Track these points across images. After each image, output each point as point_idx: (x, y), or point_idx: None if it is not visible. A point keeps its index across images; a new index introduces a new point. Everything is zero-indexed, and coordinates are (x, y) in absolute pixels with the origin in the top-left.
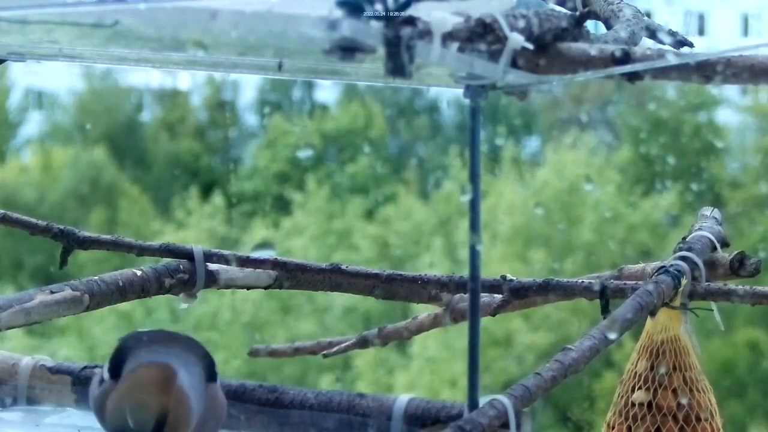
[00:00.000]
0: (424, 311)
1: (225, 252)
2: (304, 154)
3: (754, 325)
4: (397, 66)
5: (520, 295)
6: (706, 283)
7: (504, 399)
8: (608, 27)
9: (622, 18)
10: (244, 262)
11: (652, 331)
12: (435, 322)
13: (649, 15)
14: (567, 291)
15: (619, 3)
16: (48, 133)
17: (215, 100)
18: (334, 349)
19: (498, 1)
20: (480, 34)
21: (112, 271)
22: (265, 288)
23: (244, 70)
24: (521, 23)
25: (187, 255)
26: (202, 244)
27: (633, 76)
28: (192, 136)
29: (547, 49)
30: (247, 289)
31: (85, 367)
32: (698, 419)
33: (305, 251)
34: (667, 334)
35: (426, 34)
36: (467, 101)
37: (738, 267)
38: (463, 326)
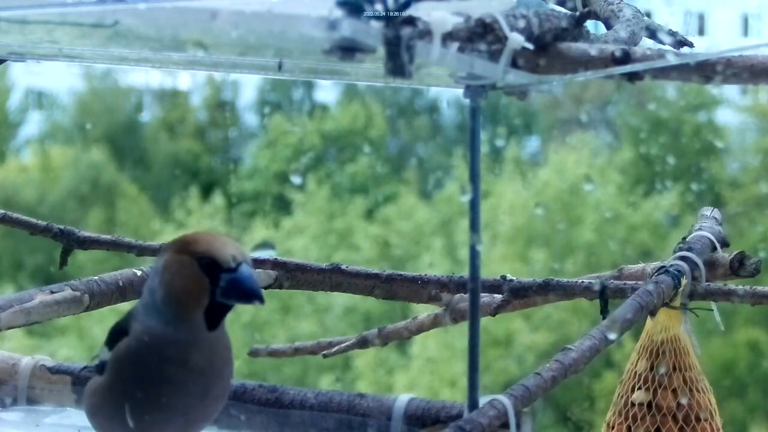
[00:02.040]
0: (424, 311)
1: None
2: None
3: (754, 325)
4: (397, 66)
5: (520, 295)
6: (706, 283)
7: (504, 399)
8: (608, 27)
9: (622, 18)
10: None
11: (652, 331)
12: (435, 322)
13: (649, 15)
14: (567, 291)
15: (619, 3)
16: (48, 133)
17: (215, 100)
18: (334, 349)
19: (498, 1)
20: (480, 34)
21: (112, 271)
22: (265, 288)
23: (244, 70)
24: (521, 23)
25: None
26: None
27: (633, 76)
28: (192, 136)
29: (547, 49)
30: None
31: (85, 367)
32: (698, 419)
33: (306, 251)
34: (667, 334)
35: (426, 34)
36: (467, 101)
37: (738, 267)
38: (463, 326)
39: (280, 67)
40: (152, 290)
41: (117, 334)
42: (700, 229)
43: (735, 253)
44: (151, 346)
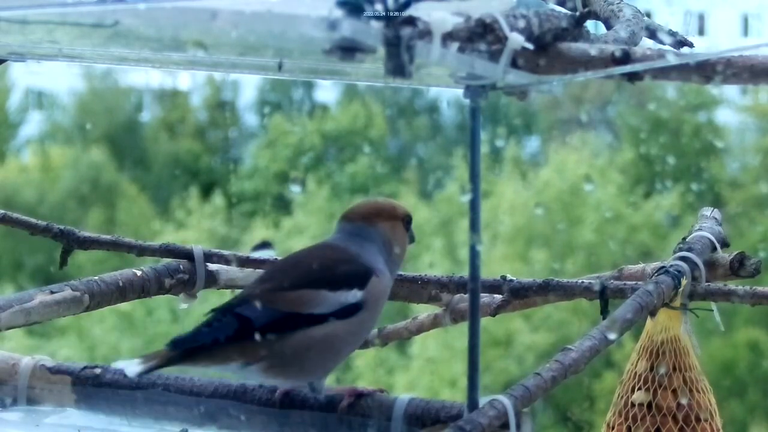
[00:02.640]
0: (424, 311)
1: (225, 252)
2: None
3: (754, 325)
4: (397, 66)
5: (520, 295)
6: (706, 284)
7: (504, 399)
8: (608, 27)
9: (622, 18)
10: (244, 262)
11: (652, 331)
12: (435, 323)
13: (649, 15)
14: (567, 291)
15: (619, 3)
16: (48, 133)
17: (215, 100)
18: None
19: (498, 1)
20: (480, 34)
21: (112, 272)
22: None
23: (244, 70)
24: (521, 23)
25: (187, 255)
26: (202, 244)
27: (633, 76)
28: (192, 136)
29: (547, 49)
30: None
31: (85, 367)
32: (698, 419)
33: None
34: (667, 334)
35: (426, 34)
36: (467, 101)
37: (738, 267)
38: (463, 326)
39: (280, 67)
40: (376, 248)
41: (361, 276)
42: (700, 229)
43: (735, 253)
44: (388, 284)
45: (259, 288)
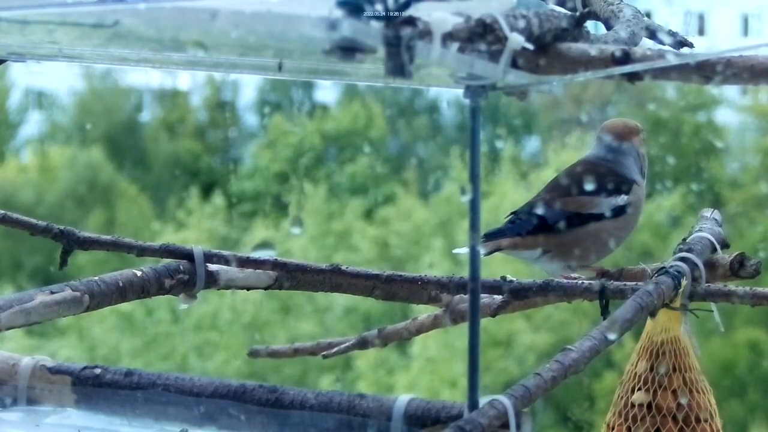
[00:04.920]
0: (424, 312)
1: (225, 252)
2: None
3: (754, 326)
4: (397, 66)
5: (520, 296)
6: (706, 284)
7: (504, 399)
8: (608, 27)
9: (622, 18)
10: (244, 262)
11: (652, 332)
12: (435, 323)
13: (649, 15)
14: (567, 292)
15: (619, 3)
16: (47, 133)
17: (215, 100)
18: (334, 350)
19: (498, 1)
20: (480, 34)
21: (112, 272)
22: (265, 288)
23: (244, 70)
24: (521, 23)
25: (187, 255)
26: (202, 245)
27: (633, 76)
28: (192, 136)
29: (547, 49)
30: (247, 289)
31: (85, 368)
32: (698, 420)
33: (305, 252)
34: (667, 334)
35: (426, 34)
36: (467, 101)
37: (738, 268)
38: (463, 327)
39: (280, 67)
40: (632, 161)
41: (626, 185)
42: (700, 230)
43: (735, 254)
44: (644, 191)
45: (549, 195)
